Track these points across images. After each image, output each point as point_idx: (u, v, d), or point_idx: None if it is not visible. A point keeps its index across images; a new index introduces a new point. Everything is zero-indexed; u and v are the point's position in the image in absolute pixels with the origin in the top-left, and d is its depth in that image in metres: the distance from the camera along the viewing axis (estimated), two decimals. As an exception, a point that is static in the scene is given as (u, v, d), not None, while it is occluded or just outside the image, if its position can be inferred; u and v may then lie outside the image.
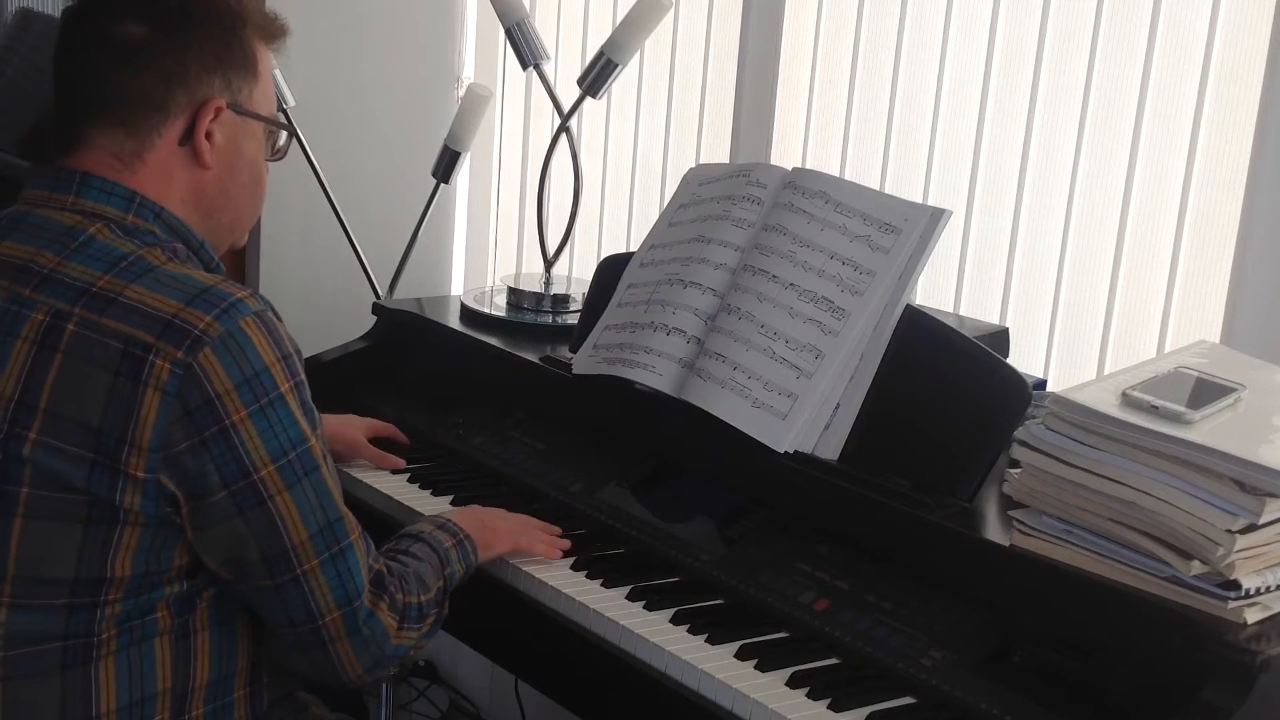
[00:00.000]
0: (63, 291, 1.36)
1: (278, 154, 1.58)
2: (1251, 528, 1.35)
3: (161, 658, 1.39)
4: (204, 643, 1.42)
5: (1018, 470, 1.52)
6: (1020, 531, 1.50)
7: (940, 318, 1.74)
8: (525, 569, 1.70)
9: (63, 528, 1.33)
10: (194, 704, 1.42)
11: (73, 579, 1.34)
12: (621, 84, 2.53)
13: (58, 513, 1.33)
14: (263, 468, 1.36)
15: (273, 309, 1.41)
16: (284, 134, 1.58)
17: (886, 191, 2.07)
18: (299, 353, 1.42)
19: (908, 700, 1.47)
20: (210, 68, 1.45)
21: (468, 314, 2.35)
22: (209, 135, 1.46)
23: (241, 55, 1.48)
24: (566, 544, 1.76)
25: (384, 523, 1.86)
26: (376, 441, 2.05)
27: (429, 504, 1.91)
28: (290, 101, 2.53)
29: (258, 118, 1.51)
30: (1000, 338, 2.01)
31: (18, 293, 1.37)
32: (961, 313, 2.20)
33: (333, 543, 1.41)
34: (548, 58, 2.46)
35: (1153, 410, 1.43)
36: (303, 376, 1.41)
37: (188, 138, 1.45)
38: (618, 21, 2.37)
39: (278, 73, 2.50)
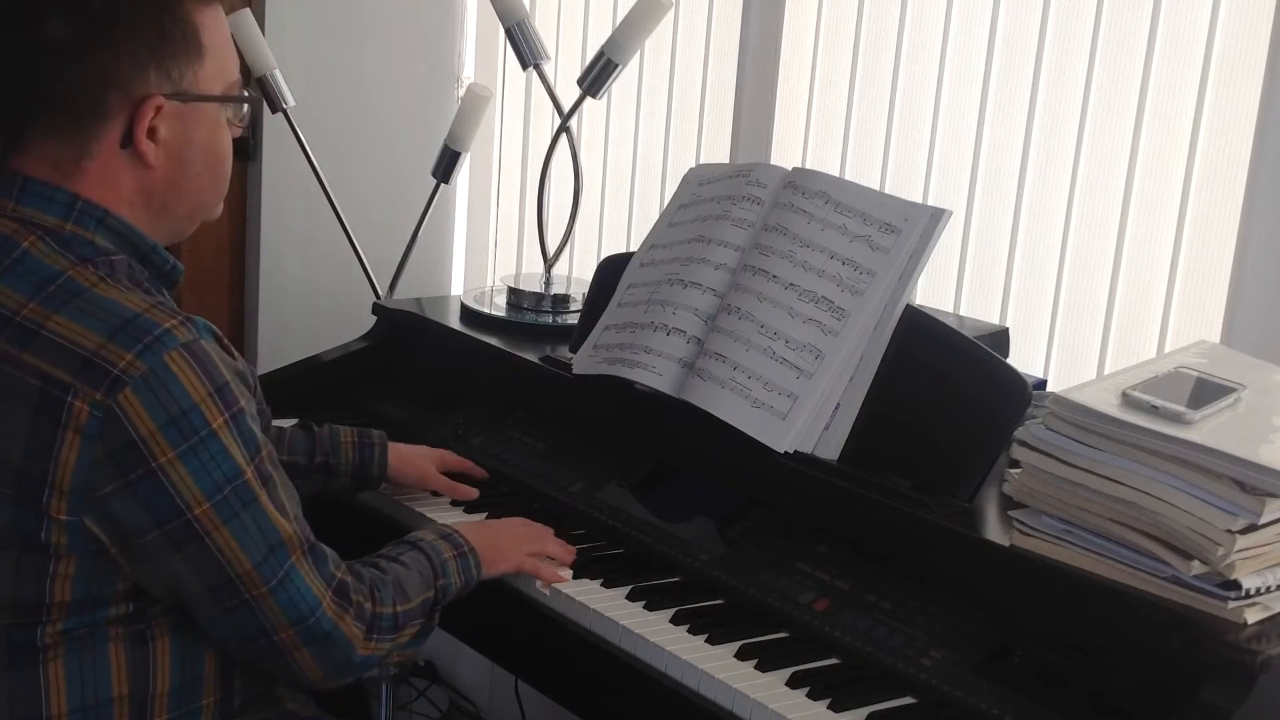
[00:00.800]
0: None
1: (241, 121, 1.48)
2: (1251, 528, 1.35)
3: (116, 663, 1.36)
4: (164, 649, 1.39)
5: (1018, 470, 1.52)
6: (1020, 531, 1.50)
7: (940, 318, 1.74)
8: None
9: None
10: (156, 711, 1.39)
11: (12, 603, 1.31)
12: (621, 84, 2.53)
13: None
14: (196, 506, 1.31)
15: (213, 333, 1.35)
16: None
17: (886, 191, 2.07)
18: (242, 374, 1.37)
19: (908, 700, 1.47)
20: (144, 63, 1.35)
21: (468, 314, 2.35)
22: (152, 133, 1.37)
23: (180, 38, 1.37)
24: (571, 557, 1.72)
25: (395, 530, 1.85)
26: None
27: (428, 505, 1.91)
28: (290, 101, 2.53)
29: (207, 99, 1.41)
30: (1000, 338, 2.01)
31: None
32: (961, 313, 2.20)
33: (278, 567, 1.36)
34: (548, 58, 2.46)
35: (1153, 410, 1.43)
36: (242, 404, 1.34)
37: (129, 140, 1.37)
38: (618, 21, 2.37)
39: (277, 72, 2.50)
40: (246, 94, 1.50)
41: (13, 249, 1.35)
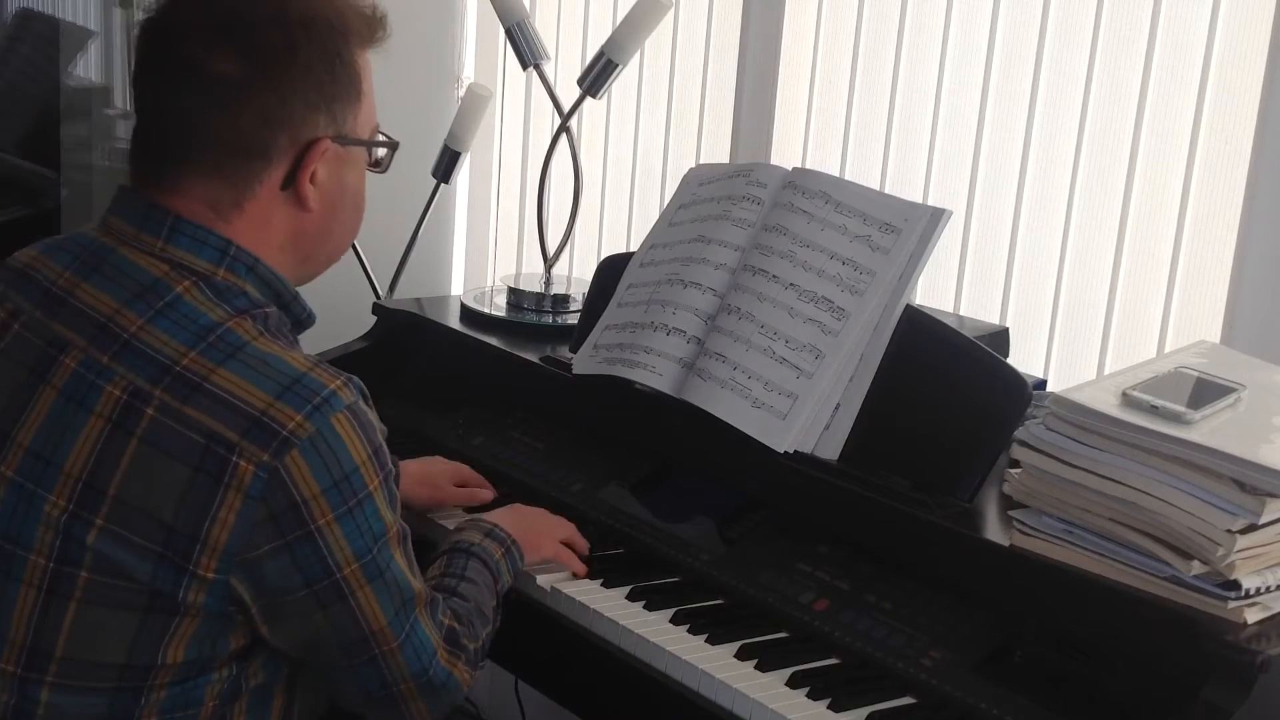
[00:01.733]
0: (143, 366, 1.27)
1: (379, 167, 1.47)
2: (1251, 528, 1.35)
3: None
4: None
5: (1018, 470, 1.52)
6: (1020, 531, 1.50)
7: (940, 318, 1.74)
8: (525, 569, 1.70)
9: (119, 615, 1.27)
10: None
11: (123, 664, 1.28)
12: (621, 84, 2.53)
13: (116, 600, 1.27)
14: (346, 567, 1.30)
15: (364, 394, 1.33)
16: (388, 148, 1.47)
17: (886, 191, 2.07)
18: (384, 430, 1.35)
19: (908, 700, 1.47)
20: (315, 105, 1.34)
21: (468, 314, 2.35)
22: (312, 176, 1.36)
23: (346, 80, 1.37)
24: (586, 549, 1.74)
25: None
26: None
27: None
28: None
29: (362, 143, 1.41)
30: (1000, 338, 2.00)
31: (95, 359, 1.28)
32: (961, 313, 2.20)
33: (406, 620, 1.36)
34: (548, 58, 2.46)
35: (1153, 410, 1.43)
36: (391, 465, 1.34)
37: (290, 181, 1.35)
38: (618, 21, 2.37)
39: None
40: (391, 137, 1.48)
41: (165, 293, 1.31)
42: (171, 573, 1.25)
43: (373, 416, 1.33)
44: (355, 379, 1.33)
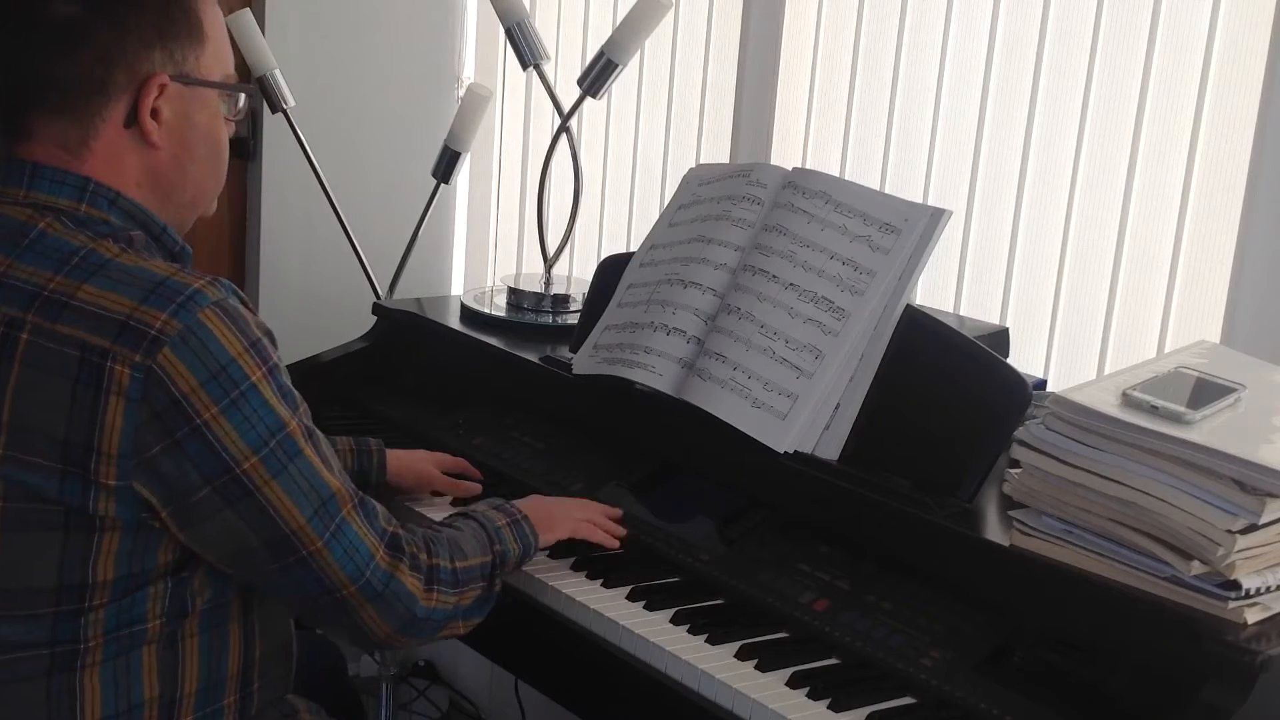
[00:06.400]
0: (15, 297, 1.32)
1: (237, 115, 1.50)
2: (1251, 528, 1.35)
3: (149, 666, 1.36)
4: (193, 649, 1.39)
5: (1018, 470, 1.52)
6: (1020, 531, 1.50)
7: (940, 318, 1.74)
8: (525, 569, 1.70)
9: (42, 537, 1.30)
10: (183, 711, 1.39)
11: (56, 586, 1.31)
12: (621, 84, 2.53)
13: (34, 523, 1.30)
14: (244, 461, 1.32)
15: (237, 294, 1.36)
16: (242, 94, 1.50)
17: (886, 191, 2.07)
18: (270, 335, 1.38)
19: (908, 700, 1.47)
20: (150, 42, 1.38)
21: (468, 314, 2.35)
22: (155, 113, 1.40)
23: (184, 22, 1.41)
24: (621, 531, 1.75)
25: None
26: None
27: (429, 505, 1.91)
28: (290, 101, 2.53)
29: (208, 85, 1.44)
30: (1000, 338, 2.01)
31: None
32: (961, 313, 2.20)
33: (330, 521, 1.37)
34: (548, 58, 2.46)
35: (1153, 410, 1.43)
36: (276, 360, 1.36)
37: (133, 119, 1.39)
38: (618, 21, 2.37)
39: (277, 72, 2.50)
40: (244, 84, 1.51)
41: (29, 230, 1.36)
42: (77, 485, 1.29)
43: (248, 313, 1.35)
44: (225, 280, 1.36)
